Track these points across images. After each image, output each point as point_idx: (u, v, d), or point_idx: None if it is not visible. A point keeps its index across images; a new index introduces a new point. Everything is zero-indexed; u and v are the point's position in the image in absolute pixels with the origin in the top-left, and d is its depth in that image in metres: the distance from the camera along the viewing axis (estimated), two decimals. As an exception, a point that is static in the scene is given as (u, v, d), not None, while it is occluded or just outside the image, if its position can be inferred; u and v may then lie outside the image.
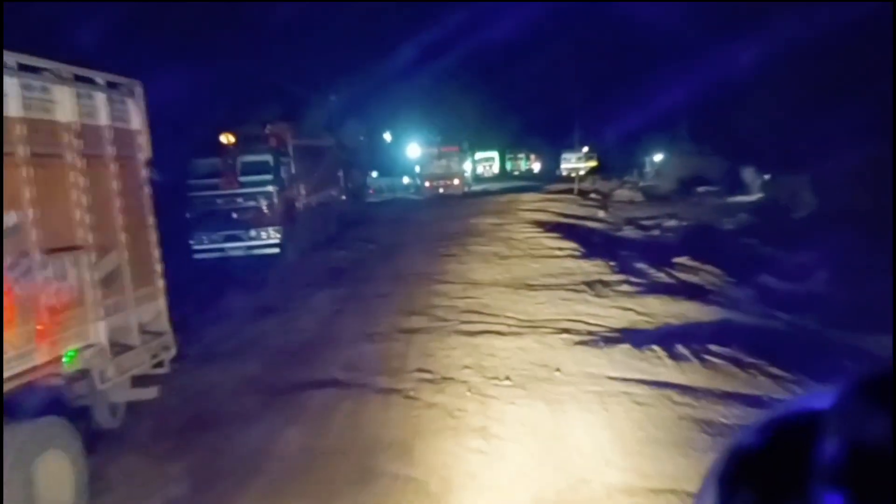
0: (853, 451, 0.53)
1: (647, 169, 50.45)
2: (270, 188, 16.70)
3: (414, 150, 42.37)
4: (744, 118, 34.35)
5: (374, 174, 63.24)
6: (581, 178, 43.58)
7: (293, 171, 18.07)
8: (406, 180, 53.24)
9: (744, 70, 34.22)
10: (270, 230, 16.63)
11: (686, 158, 43.44)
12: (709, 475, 0.63)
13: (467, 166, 42.73)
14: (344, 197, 26.45)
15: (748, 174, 34.02)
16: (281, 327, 11.28)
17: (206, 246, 16.53)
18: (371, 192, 53.03)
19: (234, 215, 16.55)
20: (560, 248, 17.30)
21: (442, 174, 38.14)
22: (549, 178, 53.51)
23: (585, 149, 58.60)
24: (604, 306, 11.27)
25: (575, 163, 58.43)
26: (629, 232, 23.27)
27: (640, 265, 15.16)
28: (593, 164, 58.43)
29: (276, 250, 16.76)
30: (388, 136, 63.04)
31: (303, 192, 19.09)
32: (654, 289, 12.58)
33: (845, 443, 0.53)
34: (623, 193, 38.53)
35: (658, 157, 50.57)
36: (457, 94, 65.90)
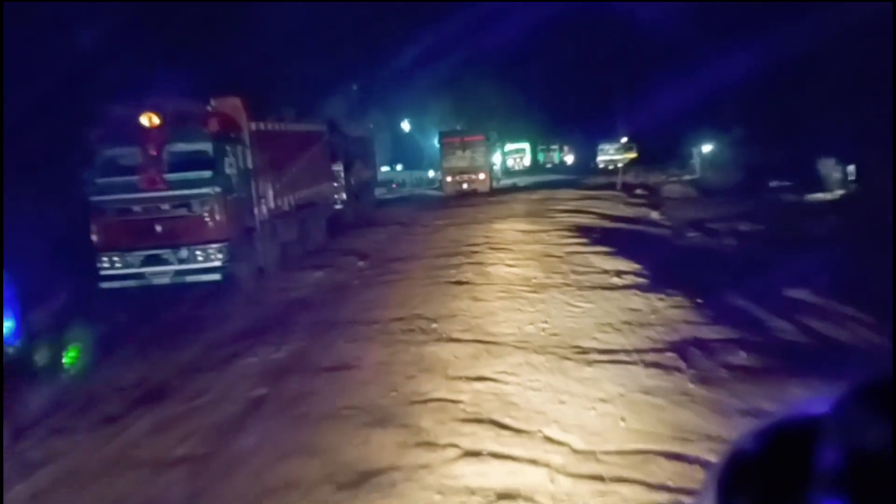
0: (852, 458, 0.52)
1: (695, 160, 44.71)
2: (210, 189, 11.69)
3: (435, 140, 37.03)
4: (811, 99, 28.84)
5: (399, 167, 58.59)
6: (623, 172, 38.14)
7: (251, 164, 13.02)
8: (431, 174, 48.43)
9: (808, 41, 28.60)
10: (211, 249, 11.62)
11: (743, 148, 37.59)
12: (708, 480, 0.61)
13: (496, 159, 37.39)
14: (343, 196, 21.33)
15: (826, 166, 28.25)
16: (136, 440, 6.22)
17: (119, 271, 11.56)
18: (394, 185, 48.39)
19: (158, 228, 11.54)
20: (617, 272, 12.08)
21: (465, 168, 32.87)
22: (585, 171, 48.10)
23: (624, 139, 53.12)
24: (727, 412, 5.99)
25: (613, 154, 53.11)
26: (696, 240, 17.87)
27: (741, 303, 9.91)
28: (632, 155, 52.84)
29: (218, 276, 11.72)
30: (405, 126, 58.06)
31: (269, 192, 14.03)
32: (793, 361, 7.29)
33: (844, 449, 0.53)
34: (673, 188, 33.06)
35: (706, 148, 44.80)
36: (485, 82, 60.89)
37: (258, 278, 12.75)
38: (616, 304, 9.82)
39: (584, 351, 7.87)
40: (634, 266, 12.74)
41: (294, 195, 15.63)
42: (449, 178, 33.11)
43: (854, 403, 0.55)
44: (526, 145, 60.15)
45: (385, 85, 58.64)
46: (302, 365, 7.95)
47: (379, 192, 43.28)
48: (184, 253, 11.50)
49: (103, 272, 11.47)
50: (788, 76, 31.26)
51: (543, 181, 39.66)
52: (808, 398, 0.60)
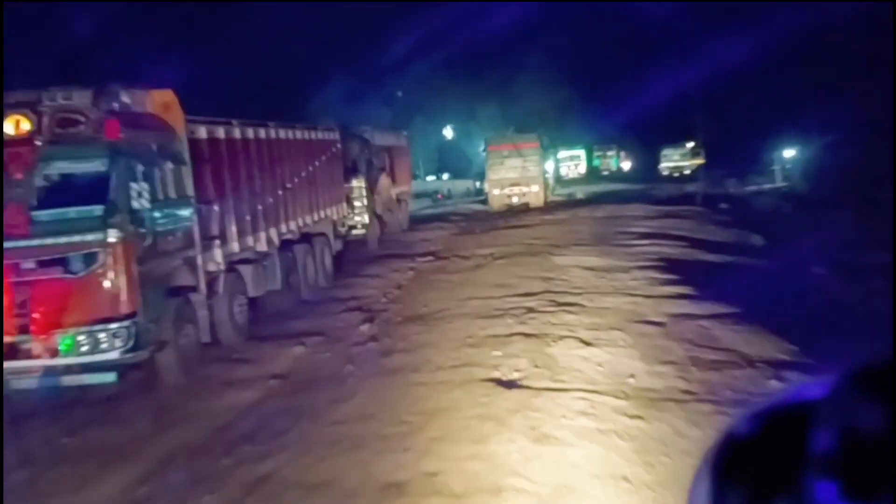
0: (846, 441, 0.52)
1: (776, 166, 39.02)
2: (98, 235, 7.03)
3: (481, 147, 31.95)
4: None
5: (445, 176, 53.88)
6: (696, 180, 32.86)
7: (190, 189, 8.34)
8: (477, 184, 43.74)
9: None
10: (101, 333, 6.98)
11: (839, 152, 31.82)
12: (702, 464, 0.61)
13: (548, 167, 32.24)
14: (364, 219, 16.65)
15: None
16: None
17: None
18: (439, 196, 43.80)
19: (18, 301, 6.95)
20: (768, 362, 7.13)
21: (515, 179, 27.91)
22: (648, 179, 42.67)
23: (690, 144, 47.57)
24: None
25: (678, 160, 47.67)
26: (832, 284, 12.69)
27: None
28: (700, 161, 47.12)
29: (110, 377, 7.06)
30: (448, 132, 53.36)
31: (230, 229, 9.37)
32: None
33: (838, 433, 0.52)
34: (764, 201, 27.70)
35: (789, 153, 39.11)
36: (534, 82, 56.05)
37: (196, 364, 8.05)
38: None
39: None
40: (786, 346, 7.77)
41: (278, 228, 10.97)
42: (496, 192, 28.18)
43: (849, 387, 0.54)
44: (581, 151, 54.82)
45: (430, 89, 54.48)
46: None
47: (421, 205, 38.92)
48: (58, 341, 6.84)
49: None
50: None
51: (605, 192, 34.51)
52: (804, 382, 0.59)
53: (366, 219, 17.14)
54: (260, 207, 10.35)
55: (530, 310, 10.15)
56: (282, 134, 11.57)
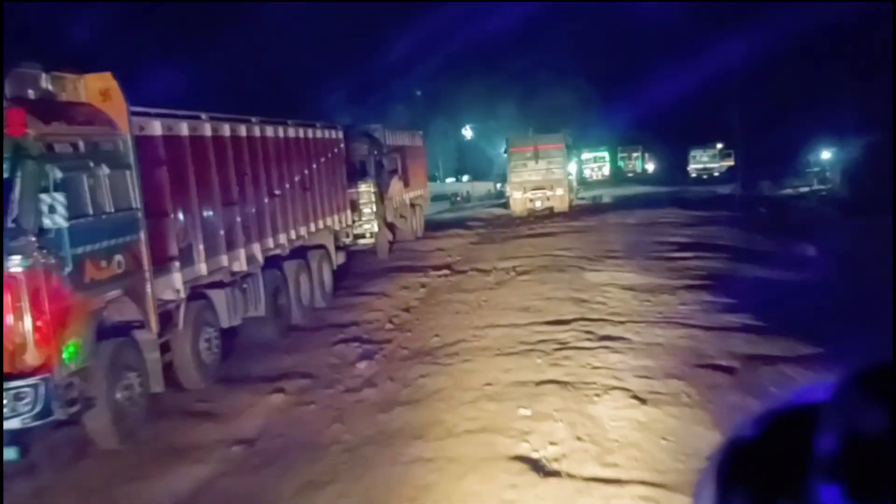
0: (850, 444, 0.51)
1: (813, 169, 36.72)
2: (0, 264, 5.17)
3: (502, 147, 29.87)
4: None
5: (465, 178, 51.95)
6: (736, 183, 30.74)
7: (137, 200, 6.47)
8: (498, 186, 41.92)
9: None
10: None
11: (884, 152, 29.57)
12: (707, 467, 0.61)
13: (571, 168, 30.00)
14: (373, 227, 14.79)
15: None
16: None
17: None
18: (458, 199, 41.97)
19: None
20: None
21: (539, 182, 25.91)
22: (675, 181, 40.43)
23: (720, 145, 45.36)
24: None
25: (707, 162, 45.51)
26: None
27: None
28: (730, 163, 45.06)
29: (12, 455, 5.23)
30: (467, 132, 51.42)
31: (195, 248, 7.55)
32: None
33: (842, 435, 0.52)
34: (805, 206, 25.57)
35: (826, 154, 36.83)
36: (555, 80, 54.04)
37: (141, 423, 6.20)
38: None
39: None
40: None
41: (263, 243, 9.11)
42: (518, 195, 26.19)
43: (853, 390, 0.53)
44: (606, 153, 52.64)
45: (450, 88, 52.74)
46: None
47: (439, 208, 37.08)
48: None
49: None
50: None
51: (634, 195, 32.43)
52: (808, 385, 0.58)
53: (375, 227, 15.29)
54: (238, 219, 8.51)
55: (563, 345, 8.24)
56: (269, 132, 9.72)
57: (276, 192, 9.81)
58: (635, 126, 56.27)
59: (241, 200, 8.85)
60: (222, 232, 8.20)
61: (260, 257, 9.16)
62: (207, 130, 8.12)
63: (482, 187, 45.91)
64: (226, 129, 8.57)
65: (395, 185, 16.92)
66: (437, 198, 43.40)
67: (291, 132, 10.65)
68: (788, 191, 32.23)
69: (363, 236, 15.17)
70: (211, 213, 8.01)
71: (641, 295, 10.71)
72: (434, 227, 22.54)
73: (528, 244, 17.24)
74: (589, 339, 8.42)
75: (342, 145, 13.26)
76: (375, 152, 15.83)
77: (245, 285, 8.74)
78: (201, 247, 7.73)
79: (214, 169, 8.19)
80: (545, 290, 11.39)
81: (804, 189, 32.82)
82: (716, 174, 42.96)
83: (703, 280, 11.63)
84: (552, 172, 25.93)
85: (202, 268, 7.70)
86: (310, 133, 11.48)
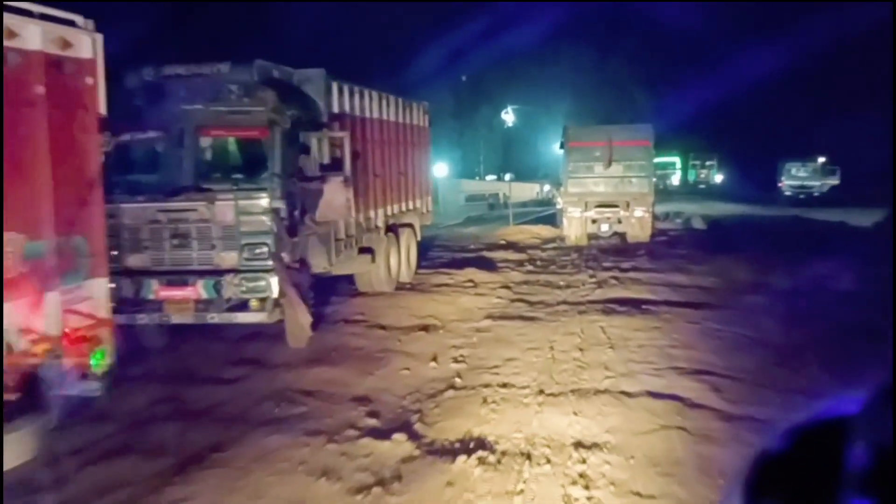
0: (882, 458, 0.49)
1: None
2: None
3: (558, 142, 20.46)
4: None
5: (508, 176, 43.12)
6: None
7: None
8: (545, 188, 32.97)
9: None
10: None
11: None
12: (735, 481, 0.60)
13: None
14: (268, 288, 5.48)
15: None
16: None
17: None
18: (492, 201, 33.43)
19: None
20: None
21: (607, 196, 16.79)
22: (757, 198, 31.30)
23: (822, 159, 36.46)
24: None
25: (805, 179, 37.59)
26: None
27: None
28: (834, 182, 35.99)
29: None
30: (508, 117, 42.27)
31: None
32: None
33: (873, 449, 0.50)
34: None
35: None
36: (621, 71, 44.97)
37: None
38: None
39: None
40: None
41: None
42: (576, 214, 17.65)
43: (882, 403, 0.52)
44: (676, 159, 43.67)
45: (498, 75, 44.41)
46: None
47: (476, 211, 28.46)
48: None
49: None
50: None
51: (727, 216, 24.37)
52: (836, 399, 0.57)
53: (273, 287, 6.13)
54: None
55: None
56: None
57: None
58: (712, 130, 46.92)
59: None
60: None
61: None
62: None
63: (524, 190, 37.44)
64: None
65: (336, 193, 7.79)
66: (472, 198, 34.90)
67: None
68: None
69: (245, 304, 6.16)
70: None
71: None
72: (441, 251, 13.78)
73: (607, 333, 8.02)
74: None
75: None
76: (293, 124, 6.75)
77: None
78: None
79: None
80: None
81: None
82: (815, 194, 34.62)
83: None
84: (630, 183, 17.51)
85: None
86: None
